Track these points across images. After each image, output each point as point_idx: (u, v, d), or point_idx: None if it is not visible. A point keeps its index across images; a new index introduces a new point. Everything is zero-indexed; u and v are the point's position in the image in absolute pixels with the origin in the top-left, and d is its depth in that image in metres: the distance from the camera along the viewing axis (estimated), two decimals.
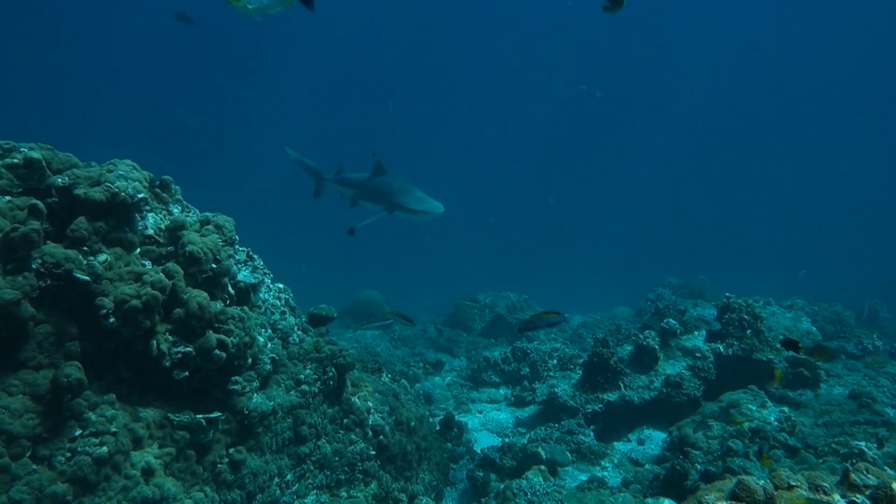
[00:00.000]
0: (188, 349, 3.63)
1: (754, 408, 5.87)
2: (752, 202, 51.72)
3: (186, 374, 3.63)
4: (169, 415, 3.61)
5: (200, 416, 3.70)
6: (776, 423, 5.59)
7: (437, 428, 6.19)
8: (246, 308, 4.06)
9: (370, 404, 5.08)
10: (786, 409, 5.86)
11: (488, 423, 7.20)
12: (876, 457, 5.34)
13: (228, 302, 4.10)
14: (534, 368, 8.64)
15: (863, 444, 5.53)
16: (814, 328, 9.90)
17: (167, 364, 3.56)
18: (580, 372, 7.25)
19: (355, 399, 5.00)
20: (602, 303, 21.30)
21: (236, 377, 4.00)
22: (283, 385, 4.44)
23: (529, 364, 8.69)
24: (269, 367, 4.29)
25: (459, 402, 7.84)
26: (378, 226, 9.32)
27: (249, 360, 4.03)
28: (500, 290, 14.64)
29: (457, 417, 7.31)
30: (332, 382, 4.74)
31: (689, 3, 43.47)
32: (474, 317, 13.18)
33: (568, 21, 45.66)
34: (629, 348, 7.30)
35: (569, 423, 6.48)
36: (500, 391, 8.49)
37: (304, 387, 4.54)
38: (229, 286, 4.13)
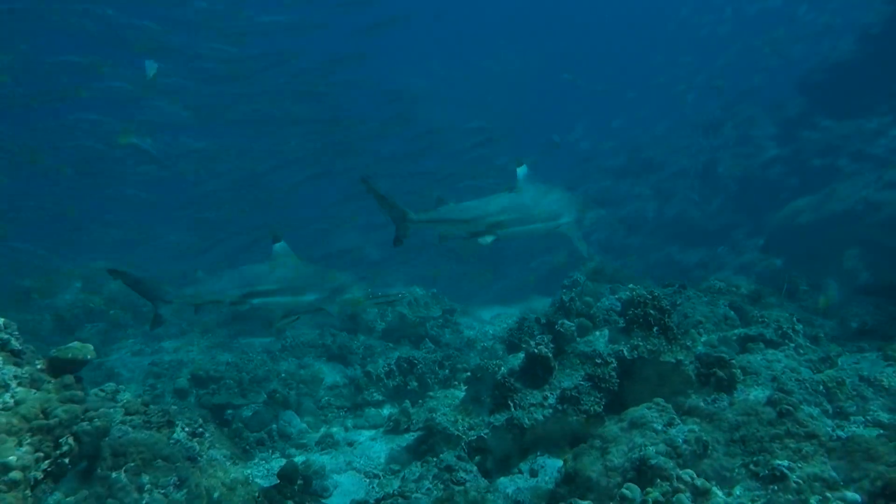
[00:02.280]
0: None
1: (660, 427, 4.84)
2: None
3: None
4: None
5: None
6: (685, 448, 4.58)
7: (275, 483, 4.85)
8: None
9: (145, 479, 3.69)
10: (695, 426, 4.86)
11: (357, 459, 5.91)
12: (800, 480, 4.46)
13: None
14: (423, 382, 7.41)
15: (785, 463, 4.64)
16: (731, 312, 9.16)
17: None
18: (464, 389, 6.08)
19: (119, 475, 3.59)
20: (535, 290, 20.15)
21: None
22: None
23: (417, 377, 7.46)
24: None
25: (326, 434, 6.49)
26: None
27: None
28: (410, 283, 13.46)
29: (318, 455, 6.02)
30: (67, 460, 3.32)
31: None
32: (375, 316, 11.89)
33: None
34: (521, 356, 6.18)
35: (448, 457, 5.31)
36: (384, 411, 7.22)
37: (14, 474, 3.11)
38: None
